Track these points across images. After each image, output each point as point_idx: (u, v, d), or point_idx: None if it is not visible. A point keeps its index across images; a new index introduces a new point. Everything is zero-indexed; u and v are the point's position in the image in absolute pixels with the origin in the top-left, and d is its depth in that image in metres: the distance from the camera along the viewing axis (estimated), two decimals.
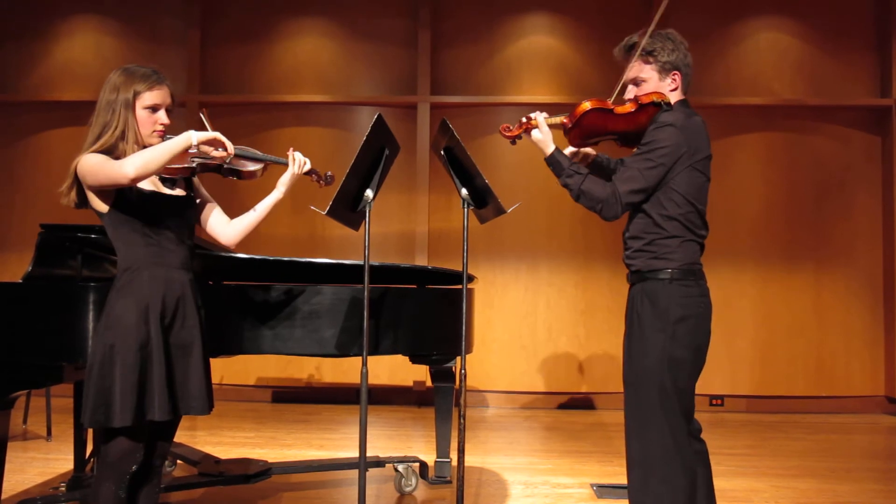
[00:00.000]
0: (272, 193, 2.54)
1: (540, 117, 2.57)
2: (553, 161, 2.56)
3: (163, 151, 2.17)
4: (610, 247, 6.42)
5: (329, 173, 2.66)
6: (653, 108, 2.49)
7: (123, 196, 2.25)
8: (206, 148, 2.28)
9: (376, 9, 6.80)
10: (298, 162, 2.55)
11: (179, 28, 6.82)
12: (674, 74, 2.53)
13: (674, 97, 2.54)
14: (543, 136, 2.56)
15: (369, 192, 2.77)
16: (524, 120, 2.59)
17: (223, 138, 2.27)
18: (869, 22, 6.61)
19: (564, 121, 2.56)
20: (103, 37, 6.88)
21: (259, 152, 2.53)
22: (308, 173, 2.60)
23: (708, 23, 6.58)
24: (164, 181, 2.39)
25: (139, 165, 2.13)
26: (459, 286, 3.15)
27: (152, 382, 2.24)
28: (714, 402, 6.21)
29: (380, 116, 2.69)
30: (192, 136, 2.21)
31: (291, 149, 2.58)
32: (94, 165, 2.19)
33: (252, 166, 2.49)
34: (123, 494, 2.28)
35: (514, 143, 2.67)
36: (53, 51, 6.90)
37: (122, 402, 2.19)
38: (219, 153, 2.31)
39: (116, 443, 2.26)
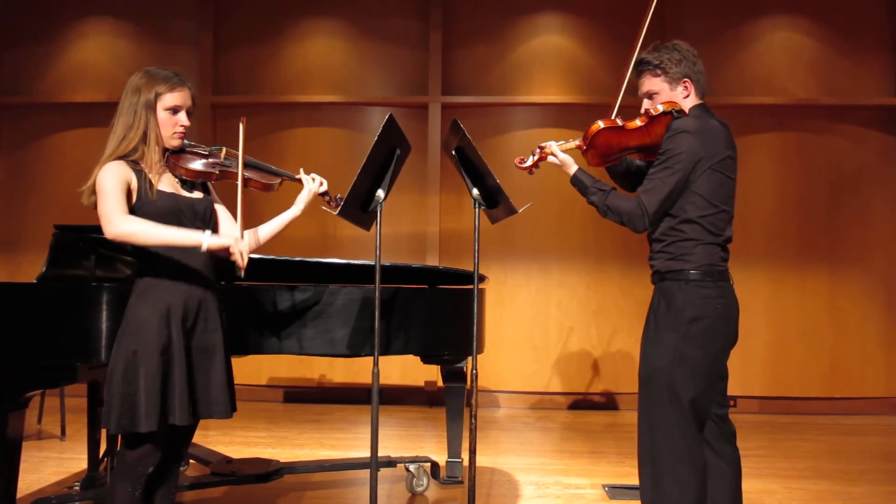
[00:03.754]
0: (290, 210, 2.57)
1: (553, 145, 2.66)
2: (577, 181, 2.65)
3: (161, 237, 2.20)
4: (621, 247, 6.41)
5: (339, 196, 2.69)
6: (665, 117, 2.55)
7: (143, 199, 2.26)
8: (217, 249, 2.29)
9: (387, 9, 6.81)
10: (316, 182, 2.60)
11: (192, 30, 6.86)
12: (684, 82, 2.58)
13: (688, 104, 2.59)
14: (561, 161, 2.65)
15: (380, 193, 2.77)
16: (537, 151, 2.67)
17: (237, 249, 2.27)
18: (883, 21, 6.56)
19: (579, 143, 2.64)
20: (117, 39, 6.92)
21: (275, 168, 2.55)
22: (322, 194, 2.64)
23: (721, 23, 6.56)
24: (183, 183, 2.40)
25: (128, 233, 2.17)
26: (470, 286, 3.15)
27: (174, 387, 2.25)
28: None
29: (391, 117, 2.69)
30: (204, 241, 2.24)
31: (301, 169, 2.61)
32: (102, 192, 2.21)
33: (269, 180, 2.51)
34: (139, 495, 2.28)
35: (531, 173, 2.73)
36: (67, 53, 6.95)
37: (148, 407, 2.19)
38: (230, 256, 2.31)
39: (136, 444, 2.27)
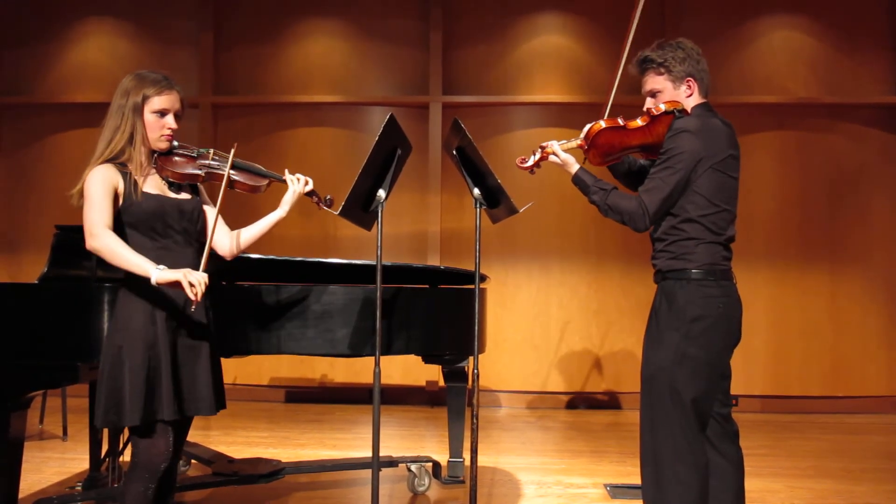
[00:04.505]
0: (276, 211, 2.56)
1: (554, 145, 2.65)
2: (578, 181, 2.64)
3: (123, 259, 2.20)
4: (622, 247, 6.41)
5: (329, 196, 2.68)
6: (667, 116, 2.54)
7: (130, 200, 2.28)
8: (165, 283, 2.19)
9: (388, 9, 6.81)
10: (302, 181, 2.58)
11: (192, 30, 6.86)
12: (688, 81, 2.57)
13: (691, 102, 2.58)
14: (563, 160, 2.65)
15: (382, 193, 2.77)
16: (538, 150, 2.66)
17: (186, 283, 2.15)
18: (883, 20, 6.56)
19: (580, 143, 2.63)
20: (117, 39, 6.92)
21: (262, 168, 2.55)
22: (309, 194, 2.62)
23: (721, 22, 6.55)
24: (170, 185, 2.41)
25: (102, 248, 2.20)
26: (472, 286, 3.15)
27: (160, 383, 2.27)
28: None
29: (392, 117, 2.69)
30: (152, 275, 2.16)
31: (287, 170, 2.61)
32: (88, 197, 2.24)
33: (256, 182, 2.51)
34: (151, 494, 2.30)
35: (532, 172, 2.73)
36: (68, 53, 6.95)
37: (132, 402, 2.22)
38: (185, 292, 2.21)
39: (146, 442, 2.29)
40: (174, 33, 6.90)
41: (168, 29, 6.91)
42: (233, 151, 2.41)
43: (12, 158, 6.95)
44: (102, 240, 2.20)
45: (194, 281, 2.16)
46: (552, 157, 2.65)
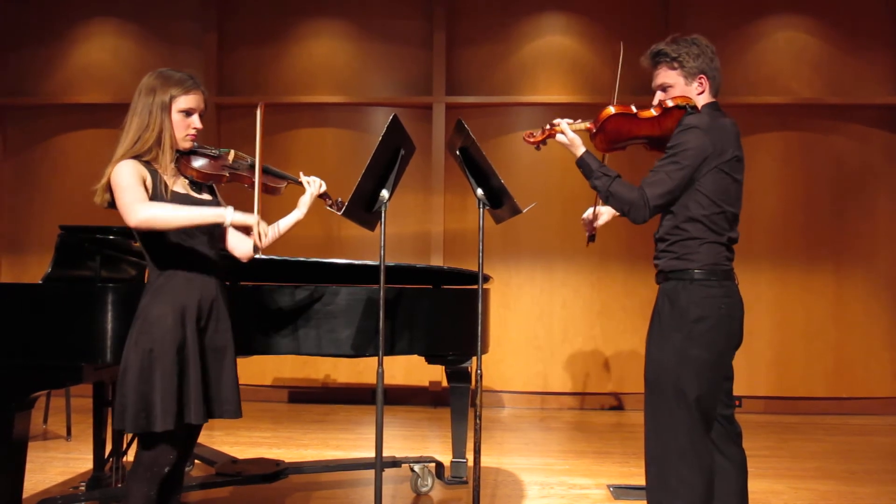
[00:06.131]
0: (294, 213, 2.58)
1: (563, 123, 2.61)
2: (582, 164, 2.61)
3: (188, 216, 2.21)
4: (625, 247, 6.41)
5: (339, 199, 2.72)
6: (678, 111, 2.52)
7: (160, 198, 2.26)
8: (238, 225, 2.30)
9: (391, 10, 6.81)
10: (316, 184, 2.61)
11: (196, 30, 6.86)
12: (700, 78, 2.55)
13: (702, 100, 2.56)
14: (569, 140, 2.60)
15: (385, 193, 2.77)
16: (547, 127, 2.63)
17: (259, 229, 2.26)
18: (887, 20, 6.54)
19: (589, 126, 2.60)
20: (121, 40, 6.93)
21: (280, 171, 2.58)
22: (322, 196, 2.65)
23: (725, 22, 6.54)
24: (192, 185, 2.41)
25: (150, 218, 2.17)
26: (475, 286, 3.15)
27: (189, 386, 2.25)
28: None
29: (395, 117, 2.69)
30: (227, 216, 2.24)
31: (301, 173, 2.62)
32: (119, 187, 2.21)
33: (276, 184, 2.53)
34: (154, 495, 2.29)
35: (538, 148, 2.69)
36: (72, 54, 6.96)
37: (164, 406, 2.19)
38: (250, 237, 2.35)
39: (152, 444, 2.27)
40: (178, 34, 6.91)
41: (171, 30, 6.91)
42: (259, 113, 2.36)
43: (17, 159, 6.95)
44: (147, 210, 2.17)
45: (264, 229, 2.27)
46: (559, 136, 2.60)
